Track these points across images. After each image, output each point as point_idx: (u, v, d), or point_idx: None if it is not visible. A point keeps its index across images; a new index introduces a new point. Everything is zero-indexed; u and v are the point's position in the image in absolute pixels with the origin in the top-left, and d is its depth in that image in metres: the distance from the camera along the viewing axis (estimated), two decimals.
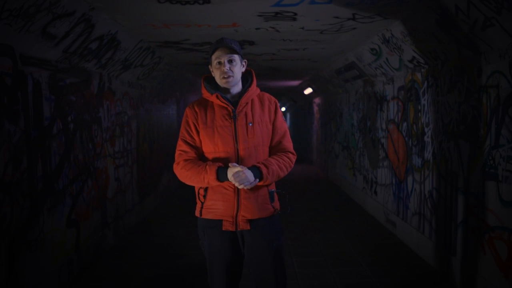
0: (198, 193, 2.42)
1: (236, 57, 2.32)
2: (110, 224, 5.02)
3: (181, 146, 2.38)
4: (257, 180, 2.23)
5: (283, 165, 2.36)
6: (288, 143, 2.47)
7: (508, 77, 3.00)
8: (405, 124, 5.08)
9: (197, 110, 2.38)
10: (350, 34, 4.73)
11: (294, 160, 2.45)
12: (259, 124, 2.35)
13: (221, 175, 2.23)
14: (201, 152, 2.38)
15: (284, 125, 2.48)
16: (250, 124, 2.32)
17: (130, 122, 5.91)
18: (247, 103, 2.37)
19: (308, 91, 11.81)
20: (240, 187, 2.21)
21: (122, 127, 5.56)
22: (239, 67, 2.35)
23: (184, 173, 2.32)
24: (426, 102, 4.43)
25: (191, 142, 2.36)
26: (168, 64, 6.67)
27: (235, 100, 2.36)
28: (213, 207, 2.34)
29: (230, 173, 2.20)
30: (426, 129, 4.45)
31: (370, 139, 6.69)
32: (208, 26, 4.37)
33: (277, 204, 2.44)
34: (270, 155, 2.42)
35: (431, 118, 4.30)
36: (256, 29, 4.52)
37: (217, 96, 2.32)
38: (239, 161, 2.29)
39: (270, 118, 2.41)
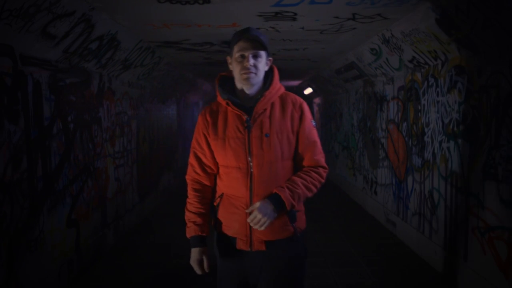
0: (212, 204, 2.16)
1: (263, 54, 1.99)
2: (110, 224, 5.02)
3: (191, 157, 2.14)
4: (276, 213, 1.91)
5: (311, 183, 2.00)
6: (318, 156, 2.07)
7: (508, 77, 3.00)
8: (405, 124, 5.08)
9: (208, 118, 2.07)
10: (350, 34, 4.73)
11: (325, 175, 2.07)
12: (278, 134, 1.99)
13: (193, 243, 2.07)
14: (213, 167, 2.11)
15: (313, 133, 2.07)
16: (267, 136, 1.97)
17: (130, 122, 5.91)
18: (265, 109, 2.01)
19: (308, 91, 11.81)
20: (261, 229, 1.89)
21: (122, 127, 5.56)
22: (263, 65, 2.01)
23: (188, 199, 2.14)
24: (426, 102, 4.42)
25: (200, 155, 2.10)
26: (168, 64, 6.67)
27: (252, 105, 2.01)
28: (226, 223, 2.06)
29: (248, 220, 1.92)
30: (426, 129, 4.44)
31: (370, 139, 6.69)
32: (208, 26, 4.36)
33: (300, 223, 2.07)
34: (296, 168, 2.07)
35: (431, 118, 4.30)
36: (256, 29, 4.52)
37: (227, 103, 2.01)
38: (252, 179, 1.97)
39: (293, 126, 2.02)
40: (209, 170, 2.11)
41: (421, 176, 4.61)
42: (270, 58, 2.06)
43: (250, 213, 1.93)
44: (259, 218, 1.87)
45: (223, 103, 2.04)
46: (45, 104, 3.53)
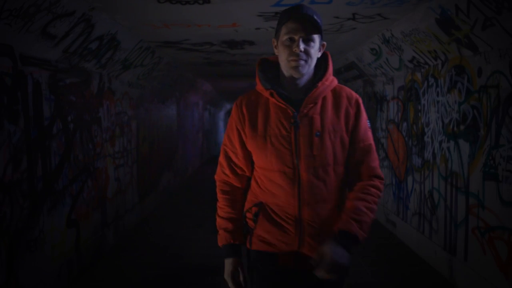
0: (245, 215, 1.83)
1: (316, 38, 1.64)
2: (110, 224, 5.01)
3: (221, 156, 1.86)
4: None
5: (373, 202, 1.69)
6: (375, 163, 1.74)
7: (508, 77, 3.00)
8: (405, 124, 5.07)
9: (245, 111, 1.74)
10: (350, 34, 4.73)
11: (382, 188, 1.74)
12: (330, 134, 1.67)
13: (226, 253, 1.78)
14: (245, 168, 1.82)
15: (368, 135, 1.75)
16: (317, 134, 1.65)
17: (130, 122, 5.91)
18: (315, 103, 1.68)
19: None
20: (334, 277, 1.56)
21: (122, 127, 5.56)
22: (316, 51, 1.66)
23: (218, 202, 1.87)
24: (426, 102, 4.42)
25: (231, 154, 1.81)
26: (168, 64, 6.67)
27: (300, 98, 1.68)
28: (267, 237, 1.75)
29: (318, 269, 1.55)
30: (426, 129, 4.44)
31: None
32: (208, 26, 4.36)
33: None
34: (347, 177, 1.75)
35: (431, 118, 4.30)
36: (256, 29, 4.52)
37: (271, 94, 1.68)
38: (301, 186, 1.66)
39: (348, 125, 1.70)
40: (239, 172, 1.83)
41: (421, 176, 4.60)
42: (324, 43, 1.71)
43: (317, 263, 1.55)
44: (335, 265, 1.52)
45: (266, 93, 1.71)
46: (45, 104, 3.53)
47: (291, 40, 1.62)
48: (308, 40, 1.62)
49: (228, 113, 20.79)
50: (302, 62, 1.62)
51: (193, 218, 6.29)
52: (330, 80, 1.73)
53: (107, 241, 4.90)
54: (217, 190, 1.88)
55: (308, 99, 1.67)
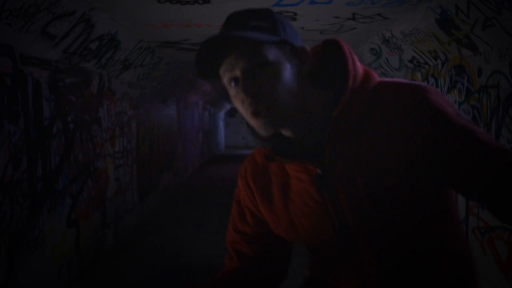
0: None
1: (271, 56, 0.94)
2: (110, 224, 5.01)
3: (230, 233, 1.24)
4: None
5: None
6: (491, 150, 0.95)
7: (508, 77, 3.00)
8: None
9: (252, 184, 1.14)
10: (350, 34, 4.73)
11: None
12: (389, 177, 0.95)
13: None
14: (268, 236, 1.19)
15: (467, 141, 0.94)
16: (368, 189, 0.96)
17: (130, 122, 5.91)
18: (348, 136, 0.97)
19: None
20: None
21: (122, 127, 5.56)
22: (278, 75, 0.94)
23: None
24: None
25: (242, 228, 1.21)
26: (168, 64, 6.67)
27: (316, 141, 1.00)
28: None
29: None
30: None
31: None
32: (208, 26, 4.36)
33: None
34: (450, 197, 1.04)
35: None
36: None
37: (269, 158, 1.07)
38: (366, 270, 1.02)
39: (415, 147, 0.93)
40: (256, 242, 1.21)
41: None
42: (300, 46, 0.98)
43: None
44: None
45: (266, 152, 1.08)
46: (45, 104, 3.53)
47: (235, 81, 0.95)
48: (249, 73, 0.92)
49: (228, 113, 20.77)
50: (268, 113, 0.93)
51: (193, 218, 6.29)
52: (357, 85, 0.96)
53: (107, 241, 4.90)
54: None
55: (333, 138, 0.96)
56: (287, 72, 0.95)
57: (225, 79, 0.97)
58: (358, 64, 1.01)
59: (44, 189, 3.51)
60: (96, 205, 4.62)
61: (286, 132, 1.03)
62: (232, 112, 20.75)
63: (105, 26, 3.94)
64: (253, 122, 0.97)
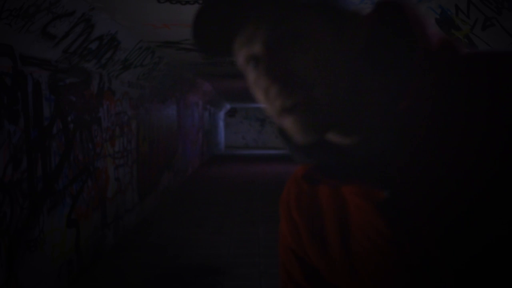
0: None
1: (308, 23, 0.61)
2: (110, 224, 5.02)
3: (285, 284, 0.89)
4: None
5: None
6: None
7: None
8: None
9: (295, 214, 0.82)
10: None
11: None
12: (492, 182, 0.58)
13: None
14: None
15: None
16: (459, 214, 0.60)
17: (130, 122, 5.91)
18: (424, 137, 0.62)
19: None
20: None
21: (122, 127, 5.56)
22: (330, 52, 0.62)
23: None
24: None
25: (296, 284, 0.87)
26: (168, 64, 6.68)
27: (379, 150, 0.65)
28: None
29: None
30: None
31: None
32: None
33: None
34: None
35: None
36: None
37: (312, 180, 0.73)
38: None
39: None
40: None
41: None
42: (353, 10, 0.65)
43: None
44: None
45: (306, 176, 0.76)
46: (45, 104, 3.53)
47: (253, 62, 0.65)
48: (275, 47, 0.62)
49: (228, 113, 20.76)
50: (302, 108, 0.62)
51: (193, 218, 6.29)
52: (436, 55, 0.65)
53: (107, 241, 4.90)
54: None
55: (404, 141, 0.64)
56: (333, 47, 0.63)
57: (241, 57, 0.66)
58: (432, 32, 0.68)
59: (44, 189, 3.51)
60: (96, 205, 4.62)
61: (334, 138, 0.70)
62: (232, 112, 20.75)
63: (105, 26, 3.94)
64: (283, 122, 0.65)
